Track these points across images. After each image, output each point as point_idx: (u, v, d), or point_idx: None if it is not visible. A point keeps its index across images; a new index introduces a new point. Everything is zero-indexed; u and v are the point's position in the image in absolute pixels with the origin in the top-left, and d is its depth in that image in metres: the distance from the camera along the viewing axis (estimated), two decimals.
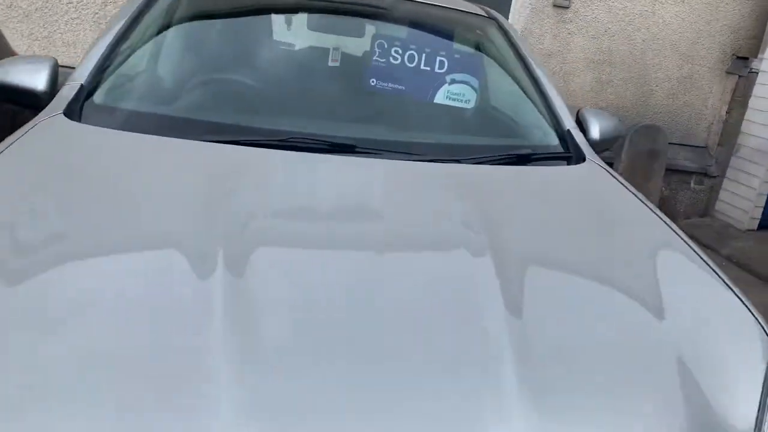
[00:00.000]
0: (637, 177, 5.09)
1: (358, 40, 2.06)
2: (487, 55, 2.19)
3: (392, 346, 0.94)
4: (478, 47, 2.22)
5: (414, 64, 1.98)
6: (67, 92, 1.61)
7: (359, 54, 2.06)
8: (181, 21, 2.03)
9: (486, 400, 0.88)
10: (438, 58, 2.01)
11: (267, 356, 0.88)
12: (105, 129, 1.50)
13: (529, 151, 1.77)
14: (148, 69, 1.86)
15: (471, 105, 2.04)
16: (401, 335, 0.97)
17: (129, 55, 1.80)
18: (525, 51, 2.13)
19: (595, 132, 1.93)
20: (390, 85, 1.96)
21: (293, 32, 2.07)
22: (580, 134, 1.90)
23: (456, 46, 2.14)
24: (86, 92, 1.62)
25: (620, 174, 4.95)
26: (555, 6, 5.14)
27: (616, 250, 1.35)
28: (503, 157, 1.68)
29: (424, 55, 1.98)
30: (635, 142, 5.03)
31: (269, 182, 1.36)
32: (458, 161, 1.60)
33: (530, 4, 5.13)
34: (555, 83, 2.08)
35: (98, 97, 1.64)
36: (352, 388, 0.86)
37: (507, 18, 5.15)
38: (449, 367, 0.93)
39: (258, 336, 0.90)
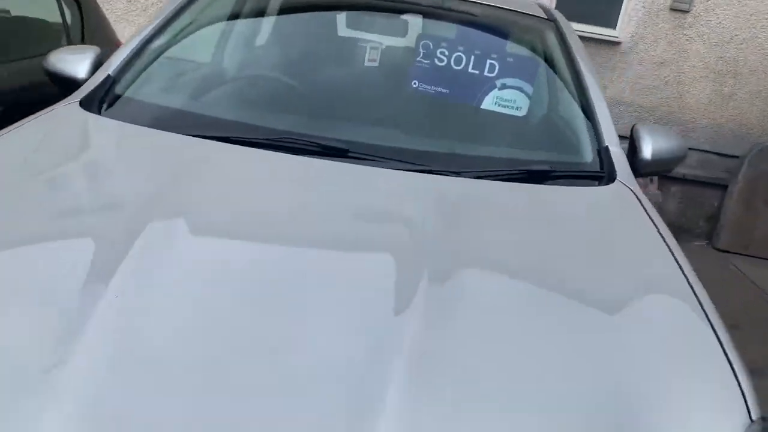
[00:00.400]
0: (756, 201, 4.54)
1: (402, 40, 1.96)
2: (539, 58, 2.00)
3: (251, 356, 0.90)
4: (531, 50, 2.04)
5: (461, 66, 1.85)
6: (92, 82, 1.67)
7: (402, 54, 1.96)
8: (208, 23, 2.05)
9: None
10: (488, 61, 1.86)
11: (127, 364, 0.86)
12: (105, 118, 1.56)
13: (547, 167, 1.57)
14: (168, 67, 1.87)
15: (522, 113, 1.87)
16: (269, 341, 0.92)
17: (157, 52, 1.82)
18: (578, 56, 1.91)
19: (646, 152, 1.68)
20: (433, 87, 1.84)
21: (335, 31, 2.01)
22: (621, 153, 1.65)
23: (509, 48, 1.97)
24: (109, 84, 1.67)
25: (733, 198, 4.45)
26: (672, 10, 4.70)
27: (579, 277, 1.18)
28: (515, 172, 1.51)
29: (473, 57, 1.85)
30: (755, 163, 4.49)
31: (235, 181, 1.33)
32: (457, 174, 1.45)
33: (643, 6, 4.73)
34: (604, 95, 1.85)
35: (117, 88, 1.68)
36: (199, 406, 0.83)
37: (616, 22, 4.79)
38: (299, 383, 0.87)
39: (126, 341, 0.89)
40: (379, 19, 2.09)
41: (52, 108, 1.57)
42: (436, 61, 1.86)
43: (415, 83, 1.85)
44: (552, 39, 2.02)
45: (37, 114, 1.52)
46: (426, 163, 1.49)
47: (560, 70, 1.94)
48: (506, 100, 1.87)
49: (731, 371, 0.99)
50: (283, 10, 2.20)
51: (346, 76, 1.90)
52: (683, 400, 0.94)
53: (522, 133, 1.83)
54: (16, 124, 1.46)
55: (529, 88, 1.88)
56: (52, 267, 1.02)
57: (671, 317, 1.11)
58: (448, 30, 1.99)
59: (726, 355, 1.02)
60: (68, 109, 1.57)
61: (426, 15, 2.03)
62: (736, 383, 0.96)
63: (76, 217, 1.17)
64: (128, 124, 1.51)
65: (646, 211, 1.44)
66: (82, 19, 3.22)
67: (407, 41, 1.96)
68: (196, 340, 0.91)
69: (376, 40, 2.03)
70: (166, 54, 1.89)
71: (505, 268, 1.17)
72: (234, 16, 2.22)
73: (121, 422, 0.80)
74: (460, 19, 2.03)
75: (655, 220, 1.40)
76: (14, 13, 3.04)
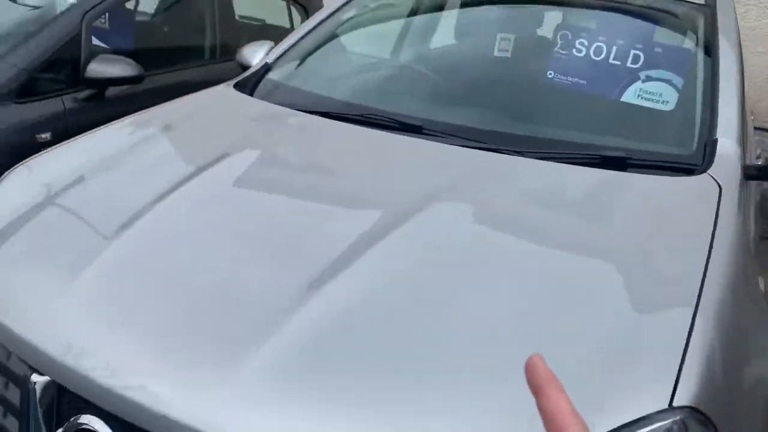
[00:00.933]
0: None
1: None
2: (687, 48, 1.84)
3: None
4: (680, 40, 1.89)
5: (601, 57, 1.76)
6: (252, 69, 1.92)
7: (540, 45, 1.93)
8: (345, 26, 2.25)
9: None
10: (632, 52, 1.75)
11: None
12: (244, 95, 1.85)
13: (623, 154, 1.51)
14: (310, 59, 2.11)
15: (670, 107, 1.74)
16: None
17: (304, 47, 2.09)
18: (723, 42, 1.74)
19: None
20: (569, 78, 1.77)
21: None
22: (732, 146, 1.52)
23: (656, 38, 1.84)
24: (264, 70, 1.97)
25: None
26: None
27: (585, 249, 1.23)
28: (590, 158, 1.50)
29: (614, 47, 1.75)
30: None
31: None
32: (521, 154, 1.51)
33: None
34: (740, 88, 1.69)
35: (269, 74, 1.98)
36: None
37: None
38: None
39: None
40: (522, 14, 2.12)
41: (211, 89, 1.82)
42: (574, 51, 1.80)
43: (550, 74, 1.81)
44: (702, 24, 1.87)
45: (198, 92, 1.79)
46: (533, 148, 1.54)
47: (700, 61, 1.80)
48: (650, 93, 1.75)
49: (681, 357, 0.95)
50: (415, 11, 2.35)
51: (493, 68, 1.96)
52: (619, 370, 0.94)
53: (628, 122, 1.74)
54: (179, 98, 1.73)
55: (679, 81, 1.74)
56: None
57: (656, 299, 1.08)
58: (590, 20, 1.92)
59: (687, 341, 0.97)
60: (221, 88, 1.80)
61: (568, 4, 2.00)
62: (677, 368, 0.93)
63: (207, 157, 1.48)
64: (265, 102, 1.76)
65: (718, 207, 1.32)
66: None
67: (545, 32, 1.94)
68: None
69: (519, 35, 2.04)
70: (311, 48, 2.13)
71: (520, 232, 1.29)
72: (368, 21, 2.43)
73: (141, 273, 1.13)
74: (605, 7, 1.95)
75: (722, 218, 1.29)
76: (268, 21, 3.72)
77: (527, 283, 1.11)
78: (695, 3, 1.96)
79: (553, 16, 1.96)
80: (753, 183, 1.66)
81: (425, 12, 2.38)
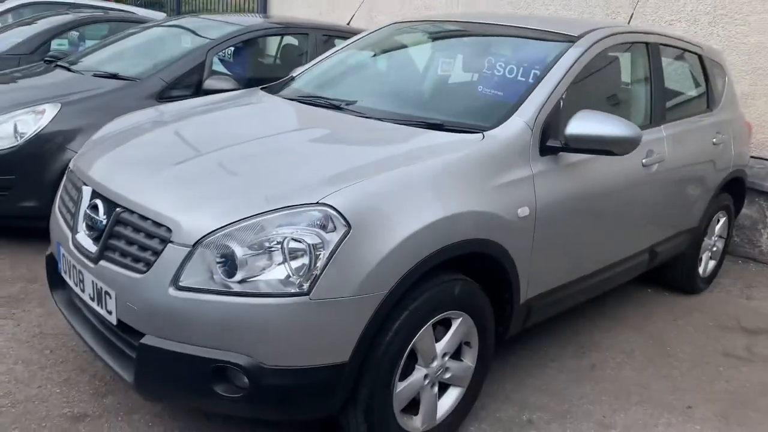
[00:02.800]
0: None
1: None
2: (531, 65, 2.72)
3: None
4: (532, 63, 2.73)
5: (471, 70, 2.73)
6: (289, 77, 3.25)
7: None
8: (340, 58, 3.37)
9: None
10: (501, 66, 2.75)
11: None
12: (265, 93, 3.04)
13: (440, 122, 2.41)
14: (316, 73, 3.27)
15: (501, 98, 2.60)
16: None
17: (314, 67, 3.29)
18: (561, 63, 2.61)
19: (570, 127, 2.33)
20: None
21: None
22: (519, 124, 2.34)
23: (519, 58, 2.77)
24: (289, 80, 3.21)
25: None
26: None
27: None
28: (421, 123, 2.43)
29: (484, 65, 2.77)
30: None
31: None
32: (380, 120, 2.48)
33: None
34: (556, 92, 2.51)
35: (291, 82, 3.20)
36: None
37: None
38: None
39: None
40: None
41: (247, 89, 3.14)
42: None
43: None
44: (547, 57, 2.71)
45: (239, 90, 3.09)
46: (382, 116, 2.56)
47: (531, 74, 2.62)
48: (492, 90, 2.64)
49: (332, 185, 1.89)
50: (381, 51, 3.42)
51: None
52: (301, 187, 1.92)
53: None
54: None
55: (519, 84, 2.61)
56: None
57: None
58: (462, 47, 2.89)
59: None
60: (252, 90, 3.07)
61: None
62: (330, 190, 1.86)
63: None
64: (276, 96, 2.94)
65: (474, 148, 2.25)
66: None
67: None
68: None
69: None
70: (317, 66, 3.28)
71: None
72: (354, 53, 3.47)
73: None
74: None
75: (471, 153, 2.23)
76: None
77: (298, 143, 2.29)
78: (559, 34, 2.79)
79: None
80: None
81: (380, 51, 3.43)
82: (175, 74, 4.09)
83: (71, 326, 2.23)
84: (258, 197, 1.86)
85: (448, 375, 2.21)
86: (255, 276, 1.76)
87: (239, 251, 1.77)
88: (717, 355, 3.22)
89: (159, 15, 7.75)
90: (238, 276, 1.76)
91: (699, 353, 3.21)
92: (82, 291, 2.09)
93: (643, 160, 2.91)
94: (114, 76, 4.09)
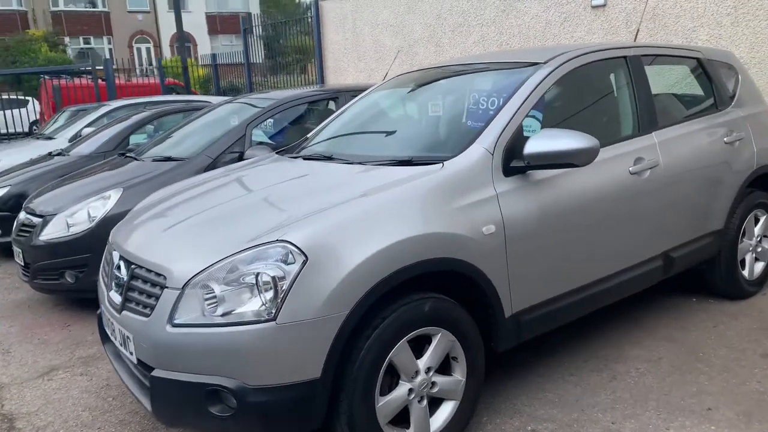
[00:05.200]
0: None
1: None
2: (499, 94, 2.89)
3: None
4: (500, 94, 2.90)
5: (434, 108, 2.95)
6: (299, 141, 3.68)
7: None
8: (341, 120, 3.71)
9: None
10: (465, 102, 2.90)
11: None
12: (281, 156, 3.43)
13: (409, 158, 2.66)
14: (327, 129, 3.64)
15: (466, 128, 2.84)
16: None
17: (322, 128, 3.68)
18: (522, 89, 2.79)
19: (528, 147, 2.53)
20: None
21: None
22: (480, 151, 2.54)
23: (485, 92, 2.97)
24: (303, 140, 3.65)
25: None
26: None
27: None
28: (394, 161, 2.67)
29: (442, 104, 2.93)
30: None
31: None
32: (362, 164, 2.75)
33: None
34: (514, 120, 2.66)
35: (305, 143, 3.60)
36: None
37: None
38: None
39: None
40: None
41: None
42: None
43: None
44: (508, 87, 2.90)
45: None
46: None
47: (496, 102, 2.81)
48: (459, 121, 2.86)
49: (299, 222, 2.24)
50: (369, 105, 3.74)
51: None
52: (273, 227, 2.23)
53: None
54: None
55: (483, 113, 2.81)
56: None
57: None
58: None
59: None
60: (268, 154, 3.53)
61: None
62: (289, 228, 2.18)
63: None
64: (285, 157, 3.31)
65: (431, 179, 2.46)
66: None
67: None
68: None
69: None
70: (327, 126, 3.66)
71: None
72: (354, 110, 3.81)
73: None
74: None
75: (427, 182, 2.45)
76: None
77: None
78: (527, 62, 2.98)
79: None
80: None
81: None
82: (219, 150, 4.63)
83: (115, 371, 2.63)
84: (232, 242, 2.19)
85: (435, 389, 2.36)
86: (234, 309, 2.06)
87: (218, 288, 2.08)
88: (755, 357, 3.10)
89: (219, 99, 8.59)
90: (220, 310, 2.07)
91: (735, 357, 3.11)
92: (115, 339, 2.49)
93: (631, 168, 2.97)
94: (168, 159, 4.69)
